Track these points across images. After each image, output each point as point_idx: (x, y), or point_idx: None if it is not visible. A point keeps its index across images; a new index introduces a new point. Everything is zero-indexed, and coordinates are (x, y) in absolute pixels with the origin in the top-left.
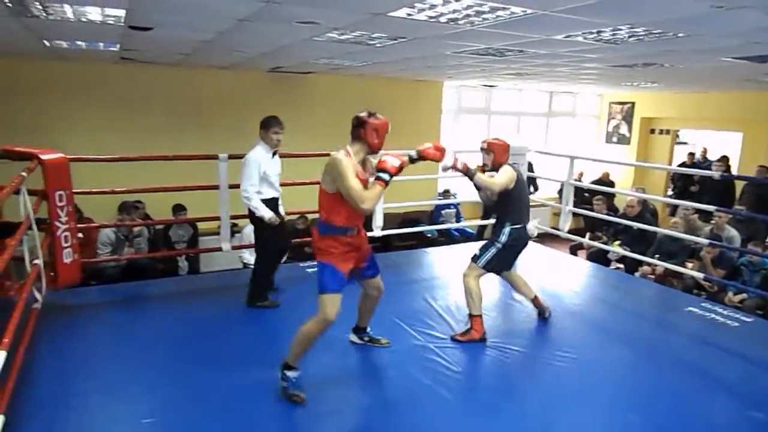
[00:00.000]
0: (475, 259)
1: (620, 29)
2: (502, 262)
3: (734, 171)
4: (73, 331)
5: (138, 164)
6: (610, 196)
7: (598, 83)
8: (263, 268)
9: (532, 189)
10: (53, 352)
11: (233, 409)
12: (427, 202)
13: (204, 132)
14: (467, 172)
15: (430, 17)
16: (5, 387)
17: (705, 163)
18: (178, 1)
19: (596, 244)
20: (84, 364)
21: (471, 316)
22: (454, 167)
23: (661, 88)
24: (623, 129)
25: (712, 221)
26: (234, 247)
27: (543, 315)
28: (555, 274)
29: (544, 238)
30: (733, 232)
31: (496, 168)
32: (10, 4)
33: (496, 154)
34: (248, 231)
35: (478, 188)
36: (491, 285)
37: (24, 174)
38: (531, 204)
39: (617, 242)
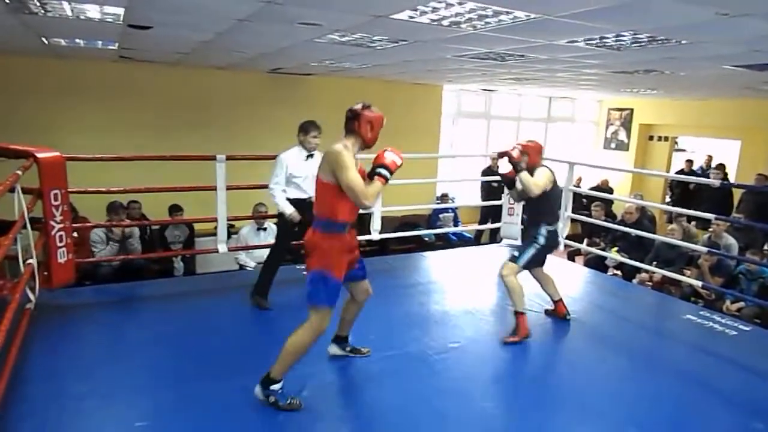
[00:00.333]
0: (514, 259)
1: (623, 35)
2: (537, 262)
3: (732, 179)
4: (67, 331)
5: (135, 164)
6: (609, 203)
7: (597, 89)
8: (273, 262)
9: None
10: (46, 352)
11: (228, 413)
12: (426, 206)
13: (202, 132)
14: (516, 166)
15: (433, 20)
16: None
17: (707, 171)
18: (178, 0)
19: (594, 250)
20: (77, 365)
21: (516, 313)
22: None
23: (661, 95)
24: (622, 135)
25: (710, 229)
26: (230, 249)
27: (564, 317)
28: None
29: None
30: (731, 240)
31: (530, 170)
32: (7, 1)
33: (531, 155)
34: (245, 233)
35: (510, 186)
36: (489, 291)
37: (19, 172)
38: None
39: (615, 249)
